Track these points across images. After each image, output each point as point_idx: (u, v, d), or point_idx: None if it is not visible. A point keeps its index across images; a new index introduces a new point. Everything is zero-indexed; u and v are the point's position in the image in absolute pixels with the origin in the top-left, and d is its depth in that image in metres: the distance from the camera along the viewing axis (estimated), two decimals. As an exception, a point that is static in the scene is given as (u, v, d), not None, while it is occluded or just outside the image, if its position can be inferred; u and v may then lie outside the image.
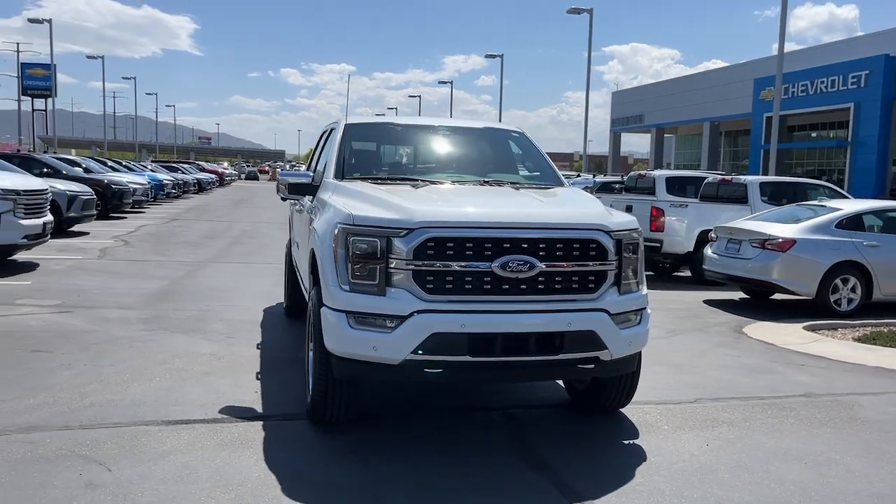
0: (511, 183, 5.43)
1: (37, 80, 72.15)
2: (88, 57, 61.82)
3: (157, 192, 27.28)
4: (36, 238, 10.70)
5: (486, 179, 5.44)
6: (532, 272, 4.16)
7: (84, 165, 22.51)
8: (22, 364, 5.86)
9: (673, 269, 13.48)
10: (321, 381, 4.47)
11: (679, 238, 12.23)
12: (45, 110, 78.82)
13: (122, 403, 5.00)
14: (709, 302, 10.37)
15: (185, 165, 45.26)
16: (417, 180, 5.21)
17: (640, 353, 4.82)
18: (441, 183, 5.26)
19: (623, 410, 5.19)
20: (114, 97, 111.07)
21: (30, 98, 71.89)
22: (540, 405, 5.45)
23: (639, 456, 4.39)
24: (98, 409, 4.88)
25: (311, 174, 5.63)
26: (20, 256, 11.58)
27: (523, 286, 4.20)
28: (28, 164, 19.05)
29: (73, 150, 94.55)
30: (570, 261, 4.27)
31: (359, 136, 5.97)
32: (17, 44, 76.92)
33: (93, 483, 3.77)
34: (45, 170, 18.84)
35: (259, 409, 5.01)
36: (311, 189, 5.45)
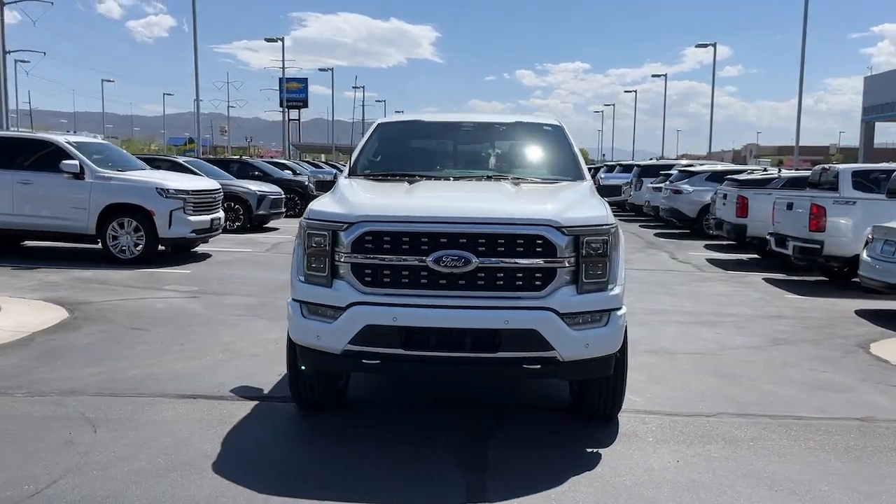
0: (515, 178, 5.31)
1: (293, 93, 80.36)
2: (321, 70, 67.61)
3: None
4: (204, 232, 12.11)
5: (491, 175, 5.38)
6: (467, 268, 4.10)
7: (295, 169, 24.86)
8: (115, 339, 6.79)
9: (853, 275, 11.98)
10: (290, 368, 4.74)
11: (844, 239, 10.86)
12: (299, 119, 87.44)
13: (159, 377, 5.65)
14: (862, 312, 9.14)
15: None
16: (416, 176, 5.29)
17: (620, 357, 4.52)
18: (440, 179, 5.30)
19: (620, 417, 4.88)
20: (362, 105, 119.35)
21: (287, 109, 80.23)
22: (541, 407, 5.28)
23: (588, 466, 4.14)
24: (136, 380, 5.56)
25: (336, 172, 5.92)
26: (200, 248, 13.18)
27: (461, 281, 4.14)
28: (244, 168, 21.51)
29: (323, 155, 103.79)
30: (513, 257, 4.14)
31: (390, 134, 6.17)
32: (283, 61, 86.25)
33: (72, 441, 4.36)
34: (256, 173, 21.11)
35: (266, 390, 5.40)
36: (330, 186, 5.73)
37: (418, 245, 4.14)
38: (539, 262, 4.14)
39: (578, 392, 4.82)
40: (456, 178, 5.35)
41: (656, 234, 19.22)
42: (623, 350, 4.54)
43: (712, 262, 13.93)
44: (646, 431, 4.70)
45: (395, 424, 4.83)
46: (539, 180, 5.39)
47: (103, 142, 13.97)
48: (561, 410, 5.11)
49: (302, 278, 4.42)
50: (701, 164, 22.60)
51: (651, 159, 32.89)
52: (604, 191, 5.66)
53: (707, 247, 16.48)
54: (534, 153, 6.02)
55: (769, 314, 8.84)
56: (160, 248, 11.71)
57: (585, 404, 4.80)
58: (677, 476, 4.02)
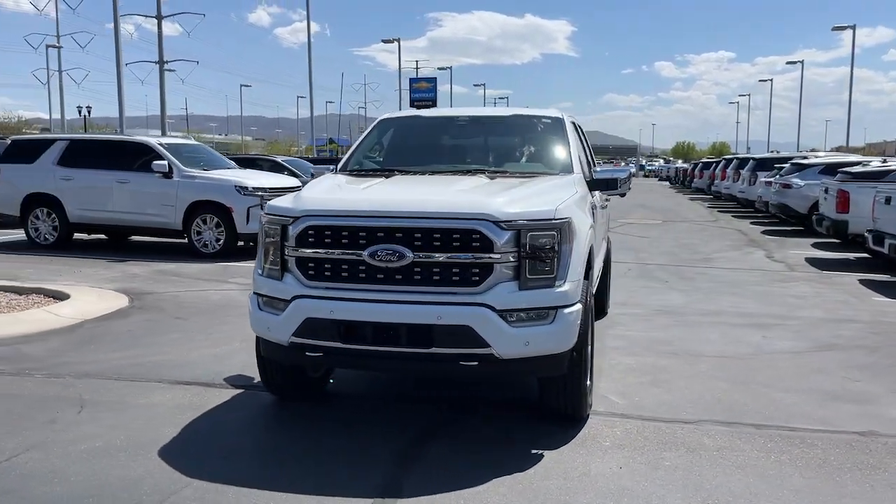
0: (493, 171, 5.23)
1: (421, 93, 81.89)
2: (440, 68, 68.49)
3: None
4: (282, 228, 12.63)
5: (472, 168, 5.31)
6: (402, 262, 4.09)
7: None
8: (155, 327, 7.24)
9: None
10: (258, 358, 4.89)
11: (945, 237, 9.80)
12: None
13: (171, 363, 5.97)
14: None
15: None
16: (395, 171, 5.31)
17: (577, 356, 4.34)
18: (417, 174, 5.29)
19: (592, 419, 4.71)
20: (494, 102, 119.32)
21: (417, 108, 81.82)
22: (518, 404, 5.15)
23: (522, 467, 4.00)
24: (149, 367, 5.90)
25: (333, 168, 6.02)
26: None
27: (398, 276, 4.14)
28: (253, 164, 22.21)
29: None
30: (449, 251, 4.08)
31: (389, 130, 6.22)
32: (416, 61, 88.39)
33: (54, 420, 4.71)
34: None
35: (257, 379, 5.52)
36: None
37: (356, 239, 4.17)
38: (475, 256, 4.06)
39: (539, 390, 4.68)
40: (434, 173, 5.31)
41: (764, 232, 18.13)
42: (580, 348, 4.36)
43: (811, 261, 12.97)
44: (608, 435, 4.49)
45: (361, 417, 4.88)
46: (518, 173, 5.26)
47: (195, 143, 14.86)
48: (536, 409, 4.97)
49: (260, 271, 4.56)
50: (816, 156, 21.05)
51: (772, 152, 30.89)
52: (597, 185, 5.44)
53: (815, 245, 15.35)
54: (525, 146, 5.89)
55: (841, 318, 8.14)
56: (240, 243, 12.32)
57: (545, 403, 4.64)
58: (609, 483, 3.82)
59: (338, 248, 4.20)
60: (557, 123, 5.81)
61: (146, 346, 6.50)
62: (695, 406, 5.04)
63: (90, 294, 8.75)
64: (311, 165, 21.52)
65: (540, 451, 4.23)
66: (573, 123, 6.07)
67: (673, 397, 5.22)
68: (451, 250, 4.07)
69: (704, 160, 42.37)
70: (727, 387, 5.49)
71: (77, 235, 13.60)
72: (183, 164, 12.33)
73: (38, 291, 8.76)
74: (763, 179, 20.39)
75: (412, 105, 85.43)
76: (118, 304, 8.28)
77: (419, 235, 4.09)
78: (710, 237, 16.92)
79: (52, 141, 13.24)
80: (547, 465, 4.05)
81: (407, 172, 5.29)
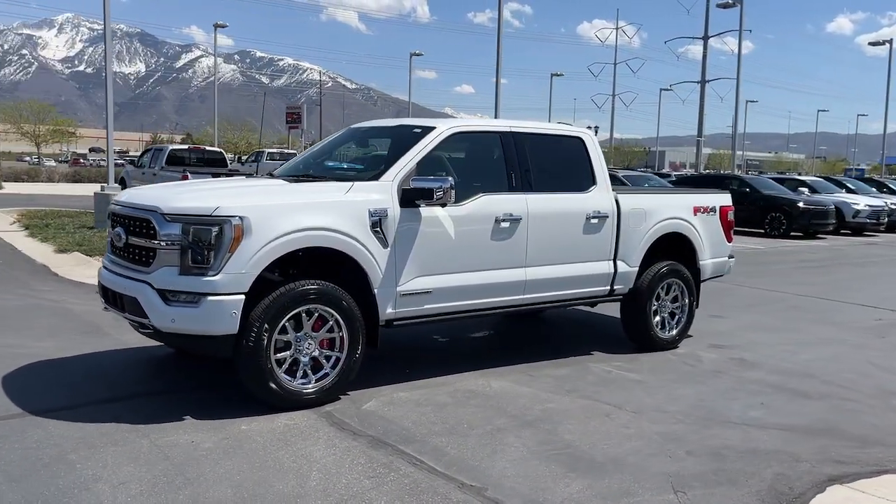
0: (308, 175, 5.83)
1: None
2: None
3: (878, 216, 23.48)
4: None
5: (308, 175, 5.93)
6: (121, 242, 5.14)
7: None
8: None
9: None
10: None
11: None
12: None
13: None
14: None
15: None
16: (269, 176, 6.22)
17: (247, 343, 4.74)
18: (269, 179, 6.11)
19: (308, 412, 4.97)
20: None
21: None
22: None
23: (159, 419, 4.71)
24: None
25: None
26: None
27: (124, 253, 5.17)
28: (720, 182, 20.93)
29: None
30: (139, 237, 4.98)
31: (336, 139, 6.90)
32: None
33: (92, 329, 6.84)
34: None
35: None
36: None
37: (114, 223, 5.33)
38: (147, 242, 4.90)
39: None
40: (275, 177, 6.02)
41: None
42: (245, 335, 4.73)
43: None
44: (271, 424, 4.73)
45: (183, 372, 5.92)
46: (337, 179, 5.68)
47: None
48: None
49: None
50: None
51: None
52: (411, 194, 5.28)
53: None
54: (371, 154, 6.10)
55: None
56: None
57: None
58: (164, 449, 4.28)
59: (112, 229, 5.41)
60: (424, 132, 5.64)
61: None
62: (416, 429, 4.72)
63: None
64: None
65: (191, 418, 4.77)
66: (460, 133, 5.83)
67: (428, 422, 4.86)
68: (140, 236, 4.96)
69: None
70: (504, 423, 4.87)
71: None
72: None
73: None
74: None
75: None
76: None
77: (129, 223, 5.09)
78: None
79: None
80: (178, 426, 4.65)
81: (271, 177, 6.13)
